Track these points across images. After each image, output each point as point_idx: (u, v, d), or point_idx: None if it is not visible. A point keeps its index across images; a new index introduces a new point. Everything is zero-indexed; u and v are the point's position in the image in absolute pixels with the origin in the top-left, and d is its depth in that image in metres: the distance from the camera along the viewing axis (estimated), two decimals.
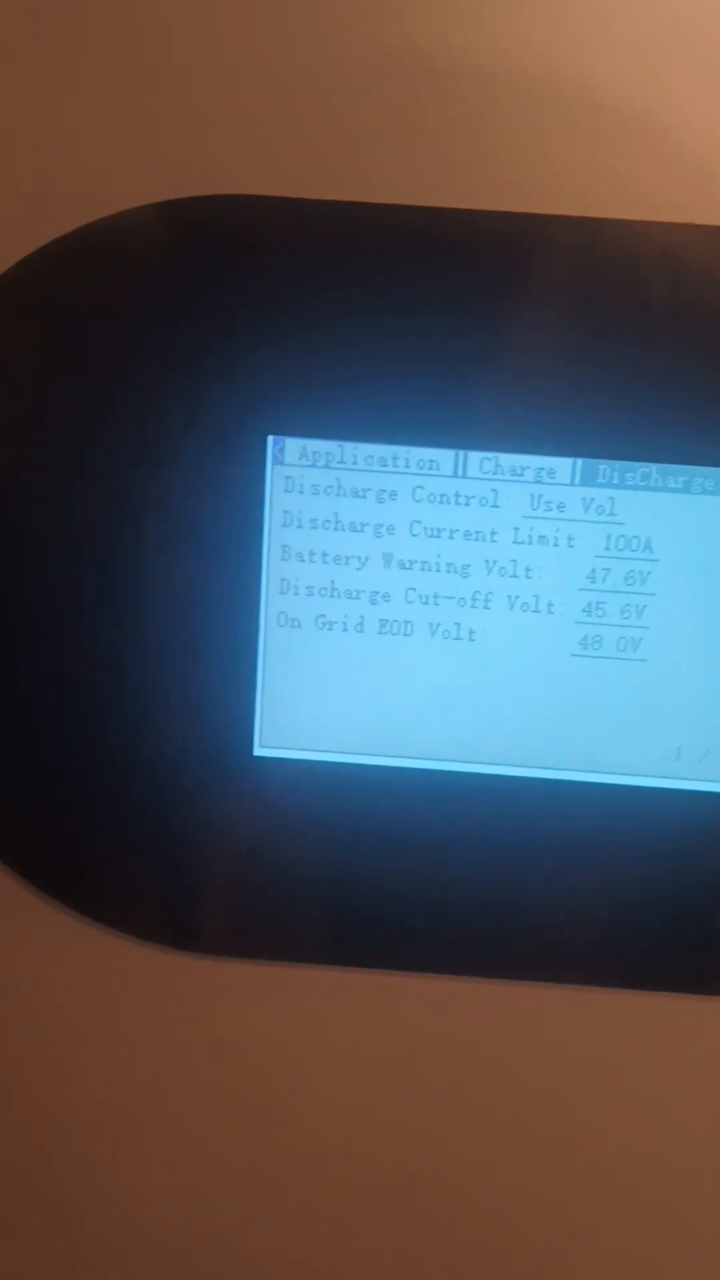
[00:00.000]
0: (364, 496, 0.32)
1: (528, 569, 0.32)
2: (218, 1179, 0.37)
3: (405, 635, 0.33)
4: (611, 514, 0.32)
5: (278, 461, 0.32)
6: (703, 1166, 0.36)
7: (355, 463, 0.32)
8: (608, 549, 0.32)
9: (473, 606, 0.33)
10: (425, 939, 0.35)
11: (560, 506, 0.32)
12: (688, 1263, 0.37)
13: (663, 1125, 0.36)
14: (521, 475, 0.32)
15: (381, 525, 0.33)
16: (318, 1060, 0.36)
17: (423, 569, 0.33)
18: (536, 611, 0.33)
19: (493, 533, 0.32)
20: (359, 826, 0.34)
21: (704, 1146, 0.36)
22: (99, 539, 0.33)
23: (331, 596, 0.33)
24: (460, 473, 0.32)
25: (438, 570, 0.33)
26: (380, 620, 0.33)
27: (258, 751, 0.34)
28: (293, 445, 0.32)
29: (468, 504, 0.32)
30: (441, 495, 0.32)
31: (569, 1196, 0.36)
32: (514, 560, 0.32)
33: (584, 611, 0.33)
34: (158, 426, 0.32)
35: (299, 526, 0.33)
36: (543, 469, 0.32)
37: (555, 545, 0.32)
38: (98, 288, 0.32)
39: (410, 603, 0.33)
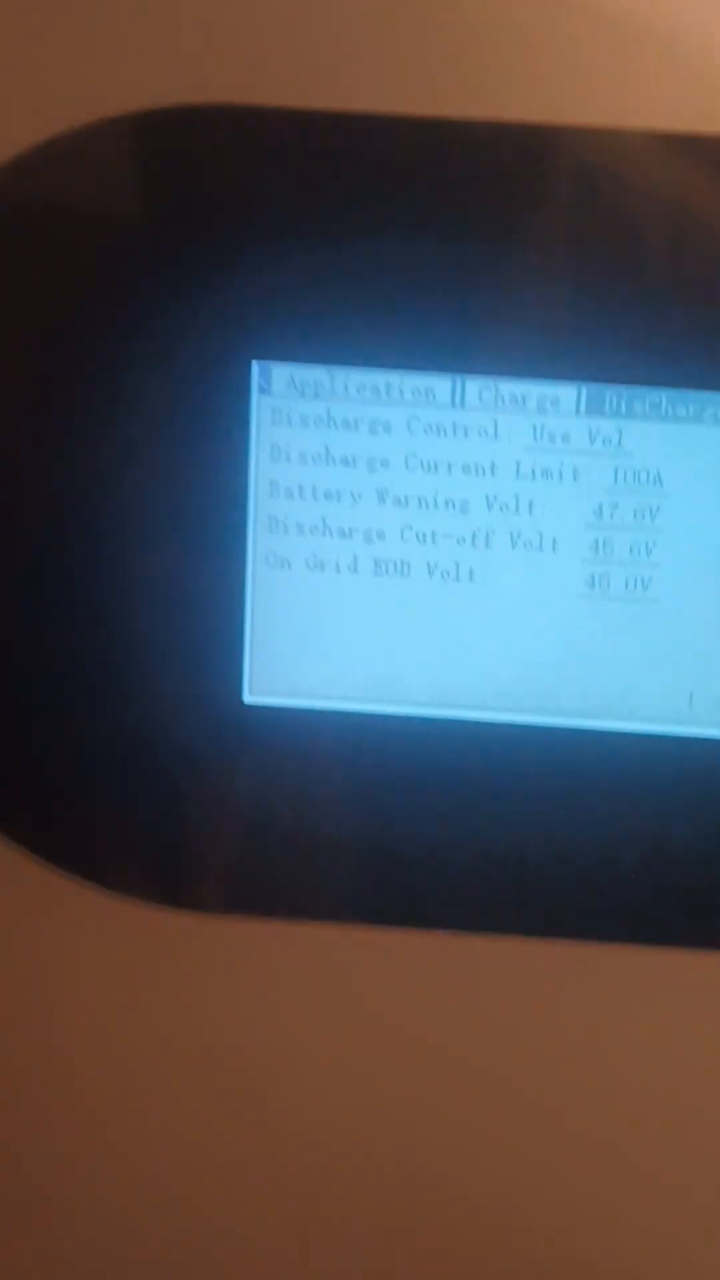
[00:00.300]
0: (356, 428, 0.31)
1: (530, 505, 0.31)
2: (210, 1141, 0.36)
3: (401, 576, 0.31)
4: (619, 445, 0.30)
5: (264, 391, 0.30)
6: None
7: (346, 392, 0.30)
8: (615, 483, 0.30)
9: (472, 545, 0.31)
10: (424, 893, 0.33)
11: (565, 438, 0.30)
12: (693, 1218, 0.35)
13: (684, 1087, 0.34)
14: (523, 405, 0.30)
15: (375, 459, 0.31)
16: (311, 1018, 0.34)
17: (419, 505, 0.31)
18: (540, 550, 0.31)
19: (493, 466, 0.30)
20: (354, 777, 0.32)
21: None
22: (74, 479, 0.31)
23: (323, 535, 0.31)
24: (458, 402, 0.30)
25: (435, 507, 0.31)
26: (375, 560, 0.31)
27: (248, 699, 0.32)
28: (279, 373, 0.30)
29: (466, 436, 0.30)
30: (438, 427, 0.30)
31: (582, 1159, 0.35)
32: (516, 496, 0.31)
33: (591, 550, 0.31)
34: (133, 354, 0.30)
35: (287, 461, 0.31)
36: (545, 397, 0.30)
37: (560, 479, 0.30)
38: (68, 204, 0.30)
39: (406, 541, 0.31)
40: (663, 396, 0.30)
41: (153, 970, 0.34)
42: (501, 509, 0.31)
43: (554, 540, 0.31)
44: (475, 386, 0.30)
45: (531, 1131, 0.35)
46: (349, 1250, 0.36)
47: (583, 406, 0.30)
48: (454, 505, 0.31)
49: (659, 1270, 0.36)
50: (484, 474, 0.31)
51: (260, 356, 0.30)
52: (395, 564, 0.31)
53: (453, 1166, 0.36)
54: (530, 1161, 0.35)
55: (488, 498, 0.31)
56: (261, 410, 0.31)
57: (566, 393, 0.30)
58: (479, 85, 0.28)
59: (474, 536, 0.31)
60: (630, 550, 0.31)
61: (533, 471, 0.30)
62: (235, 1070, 0.35)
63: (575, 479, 0.30)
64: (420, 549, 0.31)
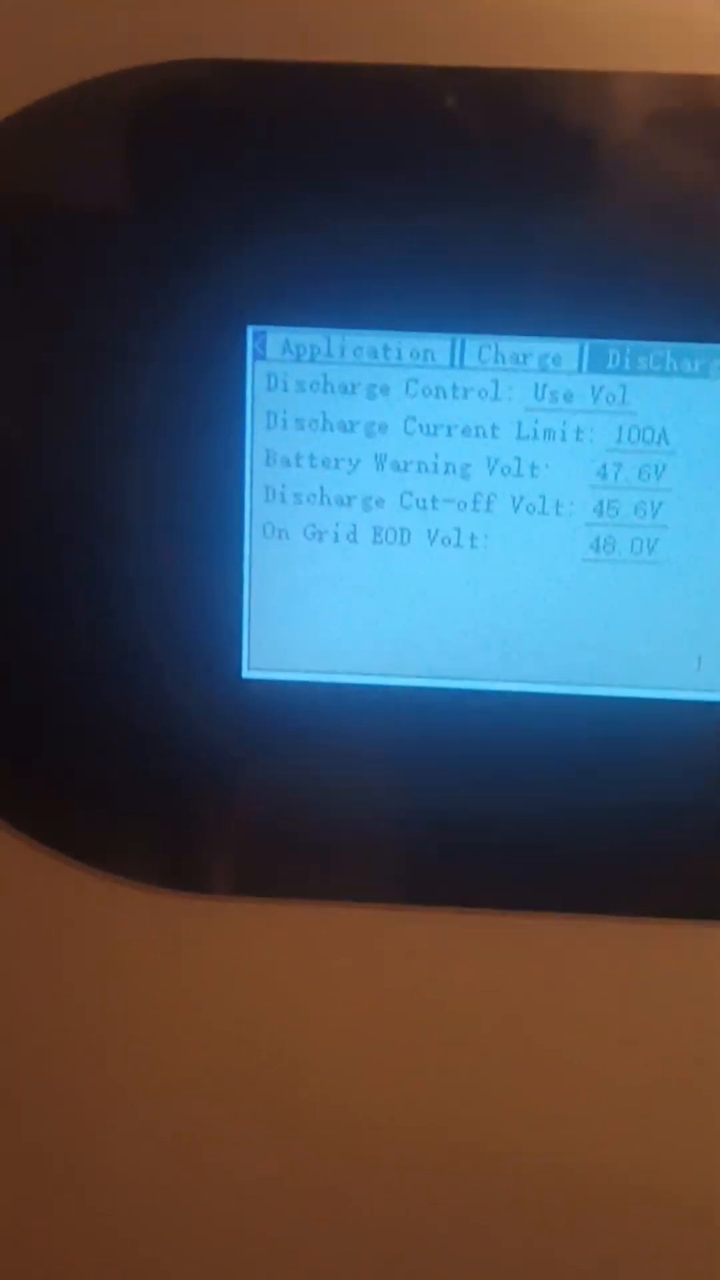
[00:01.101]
0: (353, 393, 0.30)
1: (533, 467, 0.30)
2: (216, 1121, 0.35)
3: (402, 544, 0.31)
4: (623, 403, 0.30)
5: (259, 357, 0.30)
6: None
7: (343, 356, 0.30)
8: (619, 442, 0.30)
9: (474, 510, 0.30)
10: (433, 870, 0.32)
11: (567, 397, 0.30)
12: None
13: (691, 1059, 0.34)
14: (524, 363, 0.29)
15: (373, 424, 0.30)
16: (315, 1000, 0.34)
17: (419, 470, 0.30)
18: (544, 513, 0.30)
19: (494, 428, 0.30)
20: (358, 752, 0.32)
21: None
22: (68, 453, 0.30)
23: (321, 504, 0.31)
24: (457, 363, 0.30)
25: (435, 471, 0.30)
26: (374, 528, 0.31)
27: (247, 674, 0.31)
28: (274, 337, 0.30)
29: (466, 397, 0.30)
30: (438, 388, 0.30)
31: (586, 1134, 0.34)
32: (518, 458, 0.30)
33: (595, 511, 0.30)
34: (125, 323, 0.29)
35: (284, 428, 0.30)
36: (547, 355, 0.29)
37: (562, 440, 0.30)
38: (58, 170, 0.29)
39: (406, 508, 0.30)
40: (667, 351, 0.29)
41: (155, 954, 0.33)
42: (503, 472, 0.30)
43: (557, 502, 0.30)
44: (475, 346, 0.29)
45: (540, 1108, 0.34)
46: (353, 1237, 0.35)
47: (585, 364, 0.29)
48: (454, 469, 0.30)
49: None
50: (484, 436, 0.30)
51: (255, 321, 0.30)
52: (395, 532, 0.31)
53: (462, 1142, 0.35)
54: (537, 1142, 0.35)
55: (489, 460, 0.30)
56: (257, 376, 0.30)
57: (568, 350, 0.29)
58: (472, 33, 0.28)
59: (475, 501, 0.30)
60: (635, 511, 0.30)
61: (534, 432, 0.30)
62: (235, 1054, 0.34)
63: (578, 439, 0.30)
64: (420, 515, 0.30)
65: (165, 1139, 0.35)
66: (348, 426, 0.30)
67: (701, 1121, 0.34)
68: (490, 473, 0.30)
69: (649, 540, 0.30)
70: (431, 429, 0.30)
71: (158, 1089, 0.35)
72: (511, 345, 0.29)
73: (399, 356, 0.30)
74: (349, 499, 0.30)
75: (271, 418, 0.30)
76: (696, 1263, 0.35)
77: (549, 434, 0.30)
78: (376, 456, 0.30)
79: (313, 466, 0.30)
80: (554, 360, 0.29)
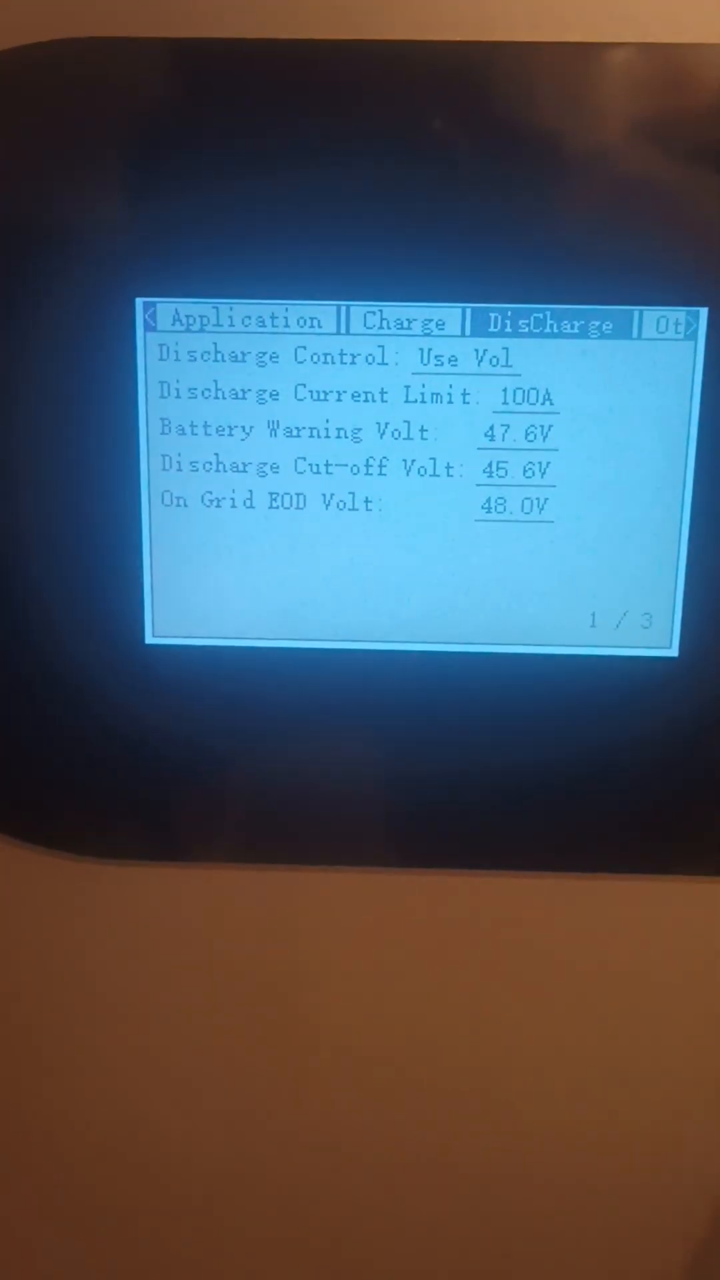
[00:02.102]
0: (243, 360, 0.30)
1: (422, 429, 0.31)
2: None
3: (298, 508, 0.31)
4: (507, 365, 0.30)
5: (149, 328, 0.30)
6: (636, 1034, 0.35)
7: (232, 324, 0.30)
8: (505, 403, 0.30)
9: (367, 473, 0.31)
10: (337, 829, 0.33)
11: (452, 360, 0.30)
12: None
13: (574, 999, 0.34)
14: (409, 328, 0.30)
15: (264, 391, 0.31)
16: (226, 960, 0.34)
17: (311, 436, 0.31)
18: (435, 475, 0.31)
19: (382, 392, 0.30)
20: (262, 714, 0.32)
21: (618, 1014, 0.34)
22: None
23: (217, 471, 0.31)
24: (343, 329, 0.30)
25: (327, 436, 0.31)
26: (270, 494, 0.31)
27: (150, 640, 0.32)
28: (164, 309, 0.30)
29: (354, 362, 0.30)
30: (325, 355, 0.30)
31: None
32: (407, 421, 0.31)
33: (484, 473, 0.31)
34: (14, 299, 0.30)
35: (177, 397, 0.31)
36: (431, 320, 0.30)
37: (450, 402, 0.30)
38: None
39: (300, 473, 0.31)
40: (546, 313, 0.30)
41: (63, 919, 0.34)
42: (394, 435, 0.31)
43: (448, 464, 0.31)
44: (360, 312, 0.30)
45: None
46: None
47: (468, 328, 0.30)
48: (346, 434, 0.31)
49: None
50: (374, 400, 0.30)
51: (144, 293, 0.30)
52: (291, 497, 0.31)
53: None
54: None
55: (379, 424, 0.31)
56: (148, 347, 0.30)
57: (451, 314, 0.30)
58: (348, 5, 0.28)
59: (368, 464, 0.31)
60: (524, 471, 0.31)
61: (422, 395, 0.30)
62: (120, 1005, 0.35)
63: (465, 401, 0.30)
64: (315, 480, 0.31)
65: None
66: (240, 394, 0.31)
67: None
68: (381, 436, 0.31)
69: (538, 499, 0.31)
70: (321, 394, 0.31)
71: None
72: (396, 311, 0.30)
73: (286, 324, 0.30)
74: (244, 465, 0.31)
75: (164, 387, 0.31)
76: (696, 1215, 0.36)
77: (436, 397, 0.30)
78: (269, 423, 0.31)
79: (207, 434, 0.31)
80: (438, 325, 0.30)
